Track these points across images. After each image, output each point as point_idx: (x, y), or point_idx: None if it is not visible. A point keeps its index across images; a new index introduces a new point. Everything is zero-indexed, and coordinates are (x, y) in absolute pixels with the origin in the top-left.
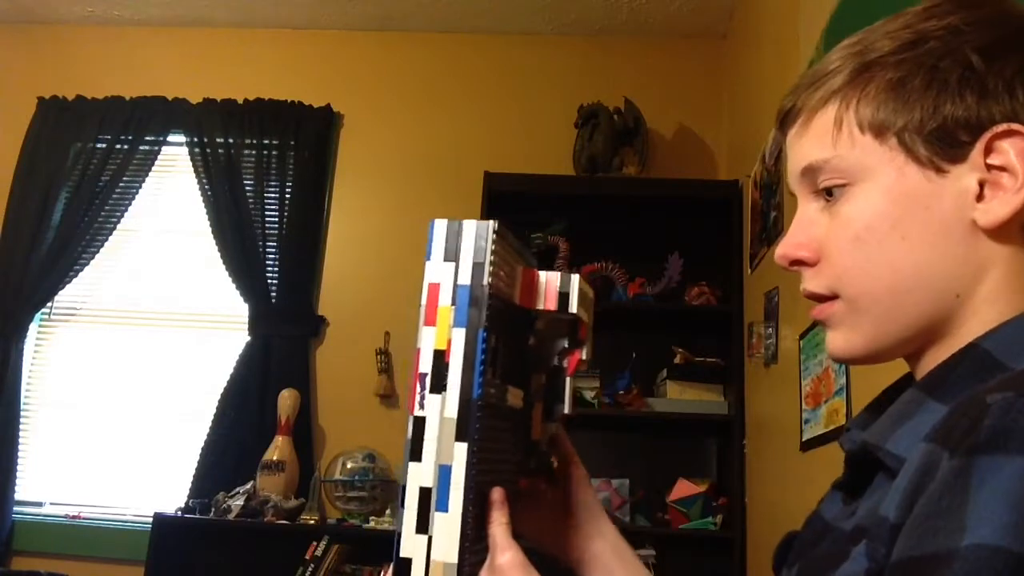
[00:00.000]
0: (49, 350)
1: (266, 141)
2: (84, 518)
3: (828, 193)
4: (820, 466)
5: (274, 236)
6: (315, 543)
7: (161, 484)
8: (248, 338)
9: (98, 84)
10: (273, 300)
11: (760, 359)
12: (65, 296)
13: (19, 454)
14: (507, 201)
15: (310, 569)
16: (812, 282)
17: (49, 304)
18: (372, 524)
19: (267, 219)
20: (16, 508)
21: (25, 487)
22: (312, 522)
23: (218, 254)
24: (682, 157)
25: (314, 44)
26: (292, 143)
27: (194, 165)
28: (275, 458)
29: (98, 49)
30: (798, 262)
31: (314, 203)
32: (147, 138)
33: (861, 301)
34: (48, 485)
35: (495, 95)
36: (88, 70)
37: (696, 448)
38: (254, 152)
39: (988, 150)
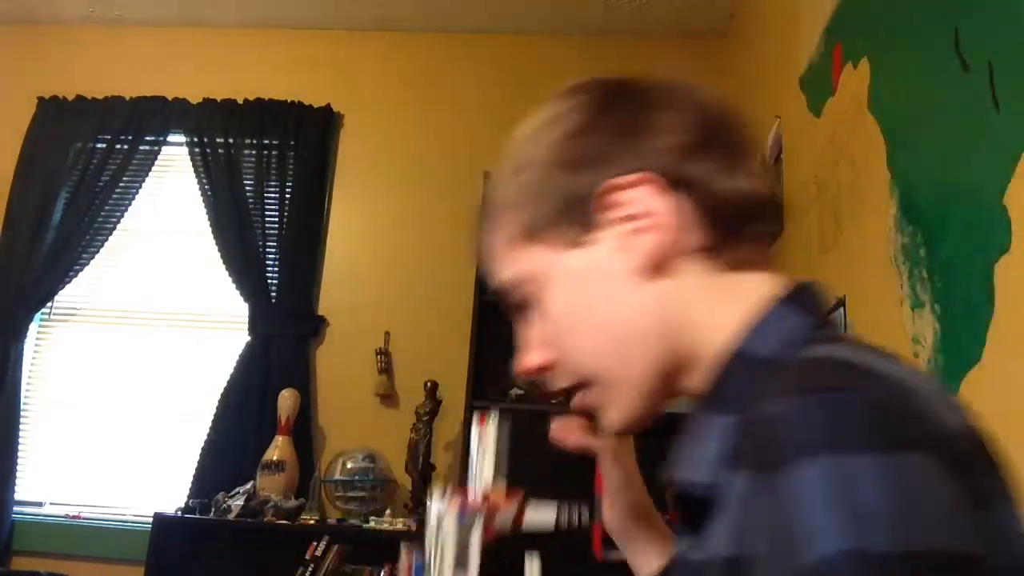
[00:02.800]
0: (49, 350)
1: (266, 141)
2: (84, 518)
3: (530, 303)
4: None
5: (274, 236)
6: (315, 543)
7: (161, 484)
8: (248, 338)
9: (98, 84)
10: (273, 300)
11: None
12: (65, 296)
13: (19, 454)
14: None
15: (310, 569)
16: (560, 380)
17: (49, 304)
18: (372, 524)
19: (267, 219)
20: (16, 508)
21: (25, 487)
22: (312, 522)
23: (218, 254)
24: None
25: (314, 44)
26: (292, 143)
27: (194, 165)
28: (275, 458)
29: (98, 49)
30: (540, 369)
31: (314, 203)
32: (147, 138)
33: (602, 375)
34: (48, 485)
35: (495, 95)
36: (88, 70)
37: None
38: (254, 152)
39: (609, 208)
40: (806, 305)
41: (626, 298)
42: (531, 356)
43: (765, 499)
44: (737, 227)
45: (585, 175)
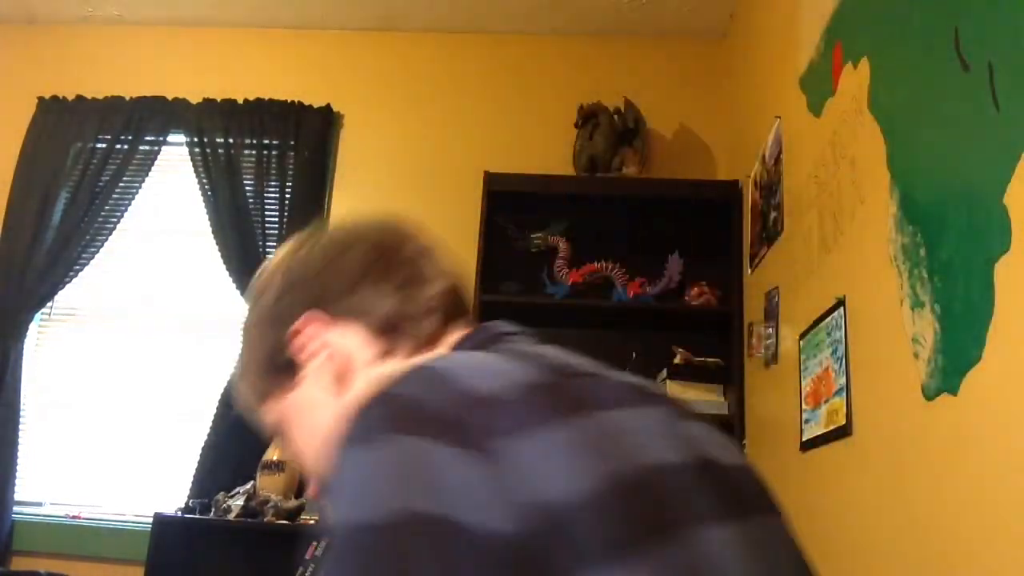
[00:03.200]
0: (49, 350)
1: (266, 141)
2: (84, 518)
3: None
4: (820, 466)
5: (274, 236)
6: (315, 543)
7: (161, 484)
8: None
9: (98, 84)
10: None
11: (760, 359)
12: (65, 296)
13: (19, 454)
14: (507, 201)
15: (310, 569)
16: (310, 488)
17: (49, 304)
18: None
19: (267, 219)
20: (16, 508)
21: (25, 487)
22: (312, 522)
23: (218, 254)
24: (682, 157)
25: (314, 44)
26: (292, 143)
27: (194, 165)
28: (275, 458)
29: (98, 49)
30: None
31: (314, 203)
32: (147, 138)
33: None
34: (48, 485)
35: (495, 95)
36: (88, 70)
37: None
38: (254, 152)
39: (298, 351)
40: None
41: (328, 416)
42: (312, 486)
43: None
44: (405, 331)
45: (277, 331)
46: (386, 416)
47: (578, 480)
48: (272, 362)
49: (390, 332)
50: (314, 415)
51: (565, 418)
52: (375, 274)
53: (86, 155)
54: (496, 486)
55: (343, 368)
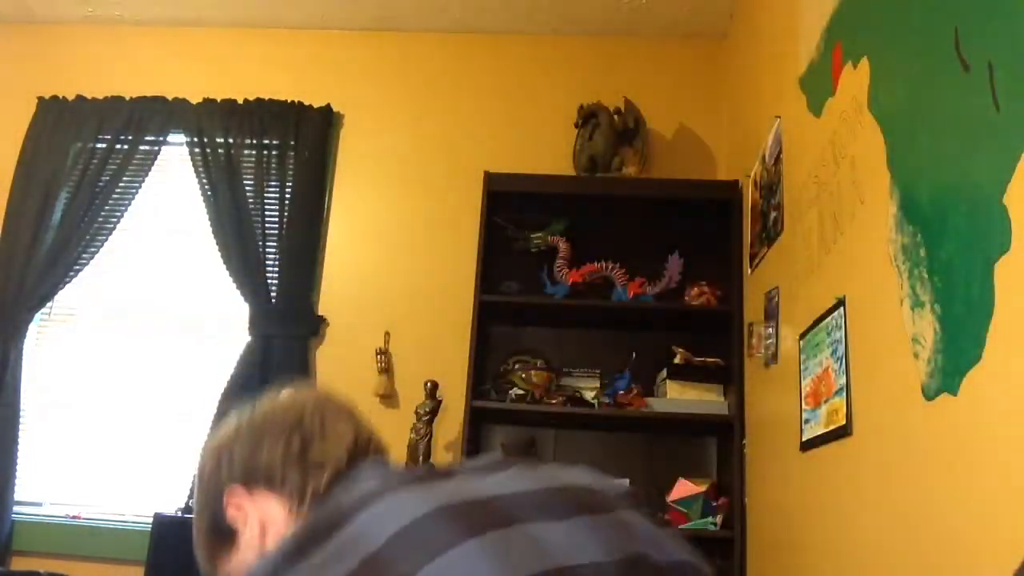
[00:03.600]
0: (49, 350)
1: (266, 141)
2: (84, 518)
3: None
4: (820, 466)
5: (274, 236)
6: None
7: (161, 484)
8: (248, 338)
9: (98, 84)
10: (273, 300)
11: (760, 359)
12: (65, 296)
13: (19, 454)
14: (507, 201)
15: None
16: None
17: (49, 304)
18: None
19: (267, 219)
20: (16, 508)
21: (25, 487)
22: None
23: (218, 254)
24: (682, 157)
25: (314, 44)
26: (292, 143)
27: (194, 165)
28: None
29: (98, 49)
30: None
31: (314, 203)
32: (147, 138)
33: None
34: (48, 485)
35: (495, 95)
36: (88, 70)
37: (696, 448)
38: (254, 152)
39: (232, 519)
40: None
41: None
42: None
43: None
44: (302, 490)
45: (212, 504)
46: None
47: None
48: (215, 530)
49: (293, 494)
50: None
51: (304, 553)
52: (281, 449)
53: (86, 155)
54: None
55: (263, 529)
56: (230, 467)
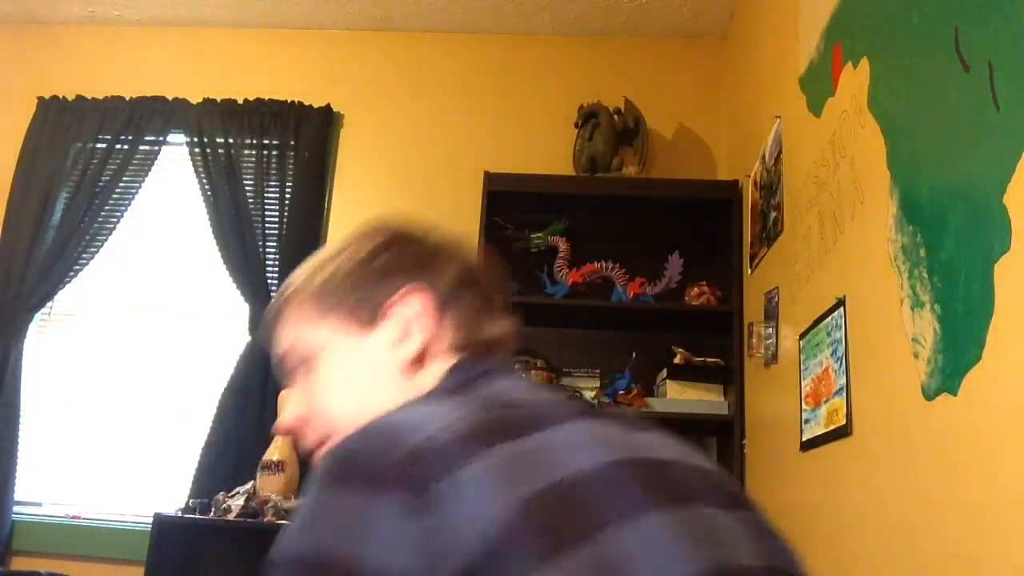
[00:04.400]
0: (49, 350)
1: (266, 141)
2: (84, 518)
3: (304, 370)
4: (820, 466)
5: (274, 236)
6: None
7: (161, 484)
8: (248, 338)
9: (98, 84)
10: (273, 300)
11: (760, 359)
12: (65, 296)
13: (19, 454)
14: (507, 201)
15: None
16: (310, 439)
17: (49, 304)
18: None
19: (267, 219)
20: (16, 508)
21: (25, 487)
22: None
23: (218, 254)
24: (682, 157)
25: (314, 44)
26: (292, 143)
27: (194, 165)
28: (275, 458)
29: (98, 49)
30: (295, 429)
31: (314, 203)
32: (147, 138)
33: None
34: (48, 485)
35: (495, 95)
36: (88, 70)
37: (696, 448)
38: (254, 152)
39: (391, 313)
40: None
41: (384, 390)
42: (293, 420)
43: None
44: (466, 338)
45: (380, 284)
46: (345, 465)
47: (495, 510)
48: (357, 301)
49: (460, 329)
50: (369, 376)
51: (491, 448)
52: (458, 274)
53: (86, 155)
54: (426, 537)
55: (420, 355)
56: (416, 259)
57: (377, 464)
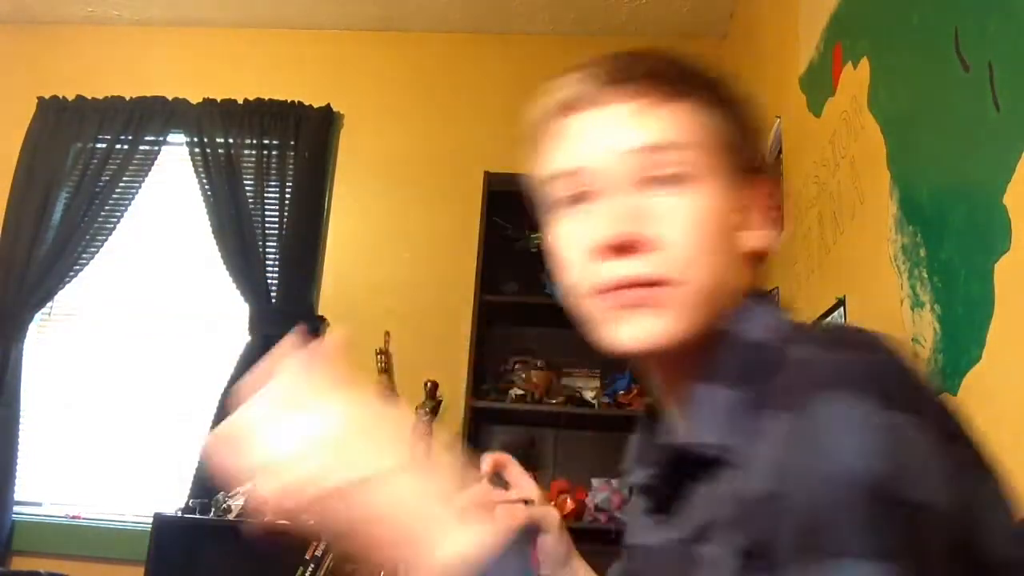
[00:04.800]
0: (49, 350)
1: (266, 141)
2: (84, 518)
3: (665, 180)
4: None
5: (274, 236)
6: (315, 543)
7: (161, 484)
8: (248, 338)
9: (98, 84)
10: (273, 300)
11: None
12: (65, 296)
13: (19, 454)
14: (507, 201)
15: (310, 569)
16: (643, 266)
17: (49, 304)
18: None
19: (267, 219)
20: (16, 508)
21: (25, 487)
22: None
23: (218, 254)
24: None
25: (314, 44)
26: (292, 143)
27: (194, 165)
28: None
29: (98, 49)
30: (630, 246)
31: (314, 203)
32: (147, 138)
33: (693, 292)
34: (48, 485)
35: (495, 95)
36: (88, 70)
37: None
38: (254, 152)
39: (762, 192)
40: (776, 304)
41: (735, 255)
42: (634, 232)
43: (798, 427)
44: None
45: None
46: (903, 387)
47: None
48: (741, 163)
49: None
50: (724, 241)
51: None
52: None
53: (86, 155)
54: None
55: (761, 253)
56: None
57: (928, 398)
